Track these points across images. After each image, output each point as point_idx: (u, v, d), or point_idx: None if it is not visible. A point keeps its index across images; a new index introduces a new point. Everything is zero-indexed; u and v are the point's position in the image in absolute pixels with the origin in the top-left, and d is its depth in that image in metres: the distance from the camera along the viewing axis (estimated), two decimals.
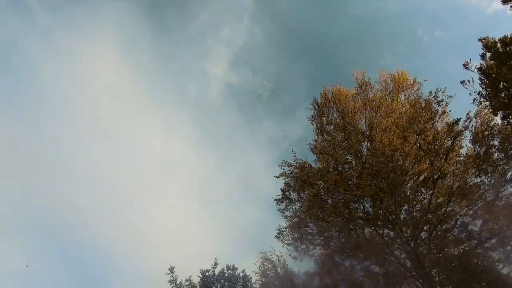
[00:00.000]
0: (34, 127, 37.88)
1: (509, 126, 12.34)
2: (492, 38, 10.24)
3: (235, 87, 44.06)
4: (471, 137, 14.60)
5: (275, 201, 16.92)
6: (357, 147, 15.42)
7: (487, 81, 10.55)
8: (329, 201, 15.73)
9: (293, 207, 16.86)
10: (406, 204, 15.48)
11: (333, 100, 17.29)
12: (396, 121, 15.58)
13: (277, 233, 17.23)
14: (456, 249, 14.63)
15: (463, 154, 15.06)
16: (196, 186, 41.11)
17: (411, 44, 40.10)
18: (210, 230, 33.50)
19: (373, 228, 15.71)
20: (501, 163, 13.66)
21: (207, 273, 21.04)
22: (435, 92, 15.06)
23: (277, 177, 16.61)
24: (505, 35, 10.08)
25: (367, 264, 15.99)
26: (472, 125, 14.60)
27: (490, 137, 14.01)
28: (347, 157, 15.77)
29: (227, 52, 43.69)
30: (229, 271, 21.45)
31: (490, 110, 11.78)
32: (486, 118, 14.38)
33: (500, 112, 10.91)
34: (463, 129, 14.39)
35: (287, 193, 16.69)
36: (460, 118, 14.36)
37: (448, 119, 14.83)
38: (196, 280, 21.02)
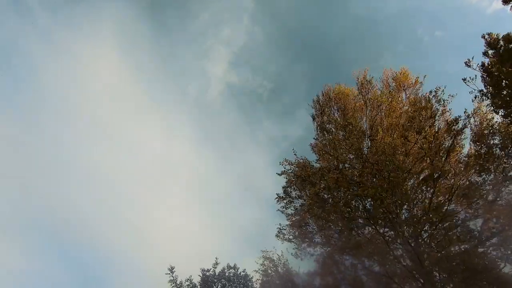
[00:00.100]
0: (34, 127, 37.92)
1: (511, 125, 12.30)
2: (496, 34, 10.19)
3: (235, 87, 44.10)
4: (472, 136, 14.58)
5: (276, 199, 16.91)
6: (357, 146, 15.41)
7: (489, 79, 10.52)
8: (330, 200, 15.71)
9: (294, 205, 16.84)
10: (406, 203, 15.46)
11: (334, 99, 17.29)
12: (396, 120, 15.58)
13: (278, 231, 17.21)
14: (457, 248, 14.61)
15: (464, 153, 15.06)
16: (196, 186, 41.13)
17: (411, 44, 40.17)
18: (210, 230, 33.52)
19: (373, 227, 15.69)
20: (502, 161, 13.63)
21: (207, 273, 21.02)
22: (435, 91, 15.08)
23: (280, 174, 16.65)
24: (508, 33, 10.04)
25: (368, 264, 15.99)
26: (472, 123, 14.61)
27: (490, 136, 13.99)
28: (348, 155, 15.76)
29: (227, 52, 43.73)
30: (231, 270, 21.44)
31: (491, 108, 11.74)
32: (485, 117, 14.39)
33: (501, 110, 10.90)
34: (463, 127, 14.38)
35: (289, 189, 16.68)
36: (460, 115, 14.38)
37: (449, 117, 14.81)
38: (196, 279, 21.04)
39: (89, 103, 40.55)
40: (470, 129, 14.53)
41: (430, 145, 14.45)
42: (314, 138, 17.83)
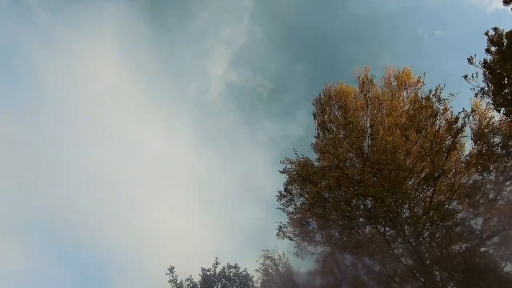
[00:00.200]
0: (34, 127, 37.92)
1: None
2: (501, 30, 10.09)
3: (235, 87, 44.09)
4: (472, 135, 14.55)
5: (277, 197, 16.88)
6: (358, 144, 15.38)
7: (491, 77, 10.47)
8: (331, 200, 15.68)
9: (294, 203, 16.82)
10: (407, 202, 15.44)
11: (335, 98, 17.27)
12: (397, 119, 15.56)
13: (278, 229, 17.16)
14: (458, 247, 14.60)
15: (465, 152, 15.04)
16: (196, 186, 41.13)
17: (411, 43, 40.17)
18: (210, 230, 33.53)
19: (374, 226, 15.68)
20: (502, 160, 13.60)
21: (208, 272, 21.00)
22: (435, 89, 15.07)
23: (282, 172, 16.62)
24: (511, 30, 9.97)
25: (369, 263, 15.97)
26: (471, 122, 14.59)
27: (491, 134, 13.96)
28: (349, 154, 15.74)
29: (227, 52, 43.72)
30: (231, 270, 21.42)
31: (492, 107, 11.70)
32: (485, 115, 14.38)
33: (503, 108, 10.86)
34: (462, 126, 14.36)
35: (289, 187, 16.65)
36: (459, 112, 14.35)
37: (450, 116, 14.78)
38: (196, 279, 21.01)
39: (89, 103, 40.59)
40: (470, 128, 14.53)
41: (431, 144, 14.43)
42: (314, 136, 17.85)
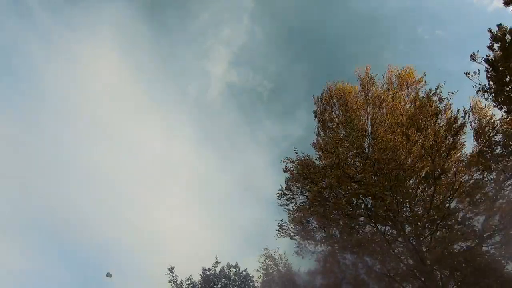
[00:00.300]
0: (34, 127, 37.86)
1: None
2: (504, 27, 10.00)
3: (235, 87, 43.98)
4: (473, 134, 14.49)
5: (277, 195, 16.85)
6: (359, 143, 15.35)
7: (493, 74, 10.39)
8: (331, 199, 15.64)
9: (295, 201, 16.77)
10: (408, 201, 15.40)
11: (336, 96, 17.22)
12: (398, 118, 15.52)
13: (278, 227, 17.10)
14: (458, 246, 14.55)
15: (466, 151, 14.99)
16: (196, 186, 41.03)
17: (411, 43, 40.07)
18: (210, 230, 33.44)
19: (374, 225, 15.63)
20: (503, 159, 13.54)
21: (208, 272, 20.96)
22: (435, 88, 15.04)
23: (284, 171, 16.62)
24: None
25: (370, 263, 15.93)
26: (471, 120, 14.53)
27: (492, 133, 13.90)
28: (350, 153, 15.70)
29: (227, 52, 43.62)
30: (231, 269, 21.38)
31: (493, 104, 11.64)
32: (485, 113, 14.33)
33: (505, 106, 10.79)
34: (462, 125, 14.31)
35: (290, 183, 16.62)
36: (458, 109, 14.33)
37: (451, 115, 14.73)
38: (197, 279, 20.98)
39: (89, 103, 40.49)
40: (471, 126, 14.47)
41: (431, 143, 14.38)
42: (316, 134, 17.81)
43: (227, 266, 21.43)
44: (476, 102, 14.40)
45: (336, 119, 17.16)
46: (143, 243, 32.94)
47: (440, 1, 38.81)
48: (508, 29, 10.00)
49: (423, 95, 15.54)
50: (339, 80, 17.84)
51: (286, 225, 17.07)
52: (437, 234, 14.90)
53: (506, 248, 13.87)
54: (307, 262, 17.61)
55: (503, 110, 11.24)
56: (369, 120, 16.45)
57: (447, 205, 14.44)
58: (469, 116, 14.36)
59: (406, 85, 16.58)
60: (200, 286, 20.54)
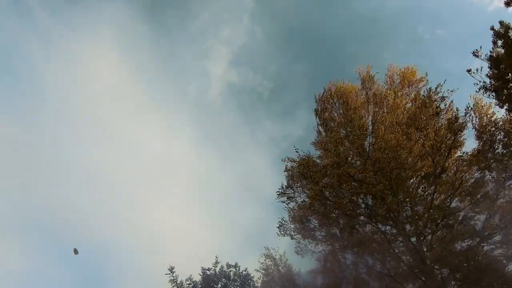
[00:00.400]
0: (34, 127, 37.87)
1: None
2: (507, 23, 9.92)
3: (235, 87, 44.00)
4: (475, 132, 14.45)
5: (278, 194, 16.82)
6: (359, 143, 15.31)
7: (496, 71, 10.31)
8: (331, 198, 15.60)
9: (295, 200, 16.75)
10: (408, 201, 15.36)
11: (337, 95, 17.17)
12: (399, 117, 15.48)
13: (279, 225, 17.06)
14: (459, 245, 14.51)
15: (467, 151, 14.94)
16: (196, 186, 41.05)
17: (411, 42, 40.08)
18: (210, 230, 33.47)
19: (374, 225, 15.59)
20: (504, 158, 13.49)
21: (208, 272, 20.92)
22: (436, 87, 15.01)
23: (286, 170, 16.60)
24: None
25: (371, 263, 15.90)
26: (472, 119, 14.49)
27: (495, 132, 13.85)
28: (350, 152, 15.66)
29: (227, 52, 43.64)
30: (231, 269, 21.33)
31: (495, 103, 11.58)
32: (486, 112, 14.28)
33: (506, 104, 10.73)
34: (464, 125, 14.27)
35: (291, 181, 16.59)
36: (458, 109, 14.29)
37: (451, 114, 14.68)
38: (196, 279, 20.93)
39: (89, 103, 40.52)
40: (472, 125, 14.43)
41: (432, 142, 14.34)
42: (316, 132, 17.75)
43: (226, 265, 21.39)
44: (477, 100, 14.36)
45: (337, 118, 17.11)
46: (143, 243, 32.96)
47: (440, 1, 38.84)
48: (511, 26, 9.90)
49: (424, 94, 15.50)
50: (339, 79, 17.85)
51: (286, 223, 17.04)
52: (438, 233, 14.87)
53: (507, 247, 13.84)
54: (308, 262, 17.59)
55: (505, 108, 11.17)
56: (370, 119, 16.40)
57: (447, 204, 14.40)
58: (470, 115, 14.33)
59: (408, 84, 16.54)
60: (200, 286, 20.49)
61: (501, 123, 13.59)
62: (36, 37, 38.01)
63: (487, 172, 14.11)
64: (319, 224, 16.58)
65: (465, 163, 14.48)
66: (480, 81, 10.99)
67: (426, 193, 15.28)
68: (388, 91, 16.36)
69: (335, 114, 17.26)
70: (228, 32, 44.28)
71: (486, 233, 14.10)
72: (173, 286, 20.41)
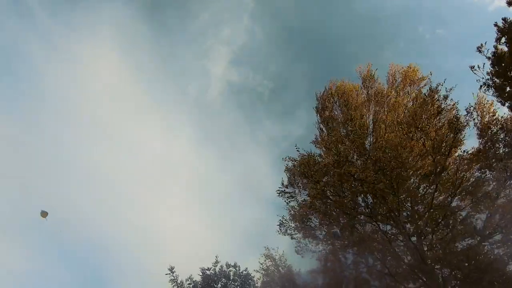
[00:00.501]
0: (34, 127, 37.87)
1: None
2: (510, 19, 9.85)
3: (235, 87, 44.01)
4: (476, 131, 14.41)
5: (278, 192, 16.79)
6: (360, 142, 15.28)
7: (498, 69, 10.25)
8: (331, 197, 15.57)
9: (296, 198, 16.71)
10: (409, 200, 15.32)
11: (337, 94, 17.15)
12: (400, 116, 15.45)
13: (279, 224, 17.01)
14: (460, 244, 14.47)
15: (467, 150, 14.91)
16: (196, 186, 41.04)
17: (412, 42, 40.12)
18: (210, 230, 33.47)
19: (375, 224, 15.55)
20: (505, 157, 13.45)
21: (207, 271, 20.86)
22: (436, 86, 14.99)
23: (286, 170, 16.58)
24: None
25: (371, 262, 15.86)
26: (474, 118, 14.45)
27: (497, 131, 13.79)
28: (351, 151, 15.63)
29: (227, 52, 43.67)
30: (231, 269, 21.28)
31: (497, 100, 11.52)
32: (488, 110, 14.24)
33: (508, 102, 10.67)
34: (465, 124, 14.24)
35: (292, 181, 16.56)
36: (456, 104, 14.23)
37: (452, 113, 14.66)
38: (197, 279, 20.88)
39: (89, 103, 40.52)
40: (474, 123, 14.39)
41: (433, 141, 14.31)
42: (317, 130, 17.76)
43: (226, 265, 21.34)
44: (479, 98, 14.32)
45: (338, 117, 17.08)
46: (143, 243, 32.98)
47: (440, 1, 38.91)
48: None
49: (426, 93, 15.46)
50: (340, 78, 17.83)
51: (287, 222, 17.00)
52: (438, 232, 14.83)
53: (508, 247, 13.80)
54: (308, 262, 17.55)
55: (506, 105, 11.11)
56: (371, 118, 16.37)
57: (448, 203, 14.36)
58: (471, 114, 14.29)
59: (410, 83, 16.51)
60: (200, 286, 20.45)
61: (503, 121, 13.55)
62: (36, 37, 38.05)
63: (488, 171, 14.06)
64: (319, 223, 16.53)
65: (465, 162, 14.45)
66: (482, 78, 10.92)
67: (427, 192, 15.28)
68: (390, 90, 16.33)
69: (336, 113, 17.23)
70: (228, 32, 44.33)
71: (487, 233, 14.06)
72: (173, 286, 20.38)
